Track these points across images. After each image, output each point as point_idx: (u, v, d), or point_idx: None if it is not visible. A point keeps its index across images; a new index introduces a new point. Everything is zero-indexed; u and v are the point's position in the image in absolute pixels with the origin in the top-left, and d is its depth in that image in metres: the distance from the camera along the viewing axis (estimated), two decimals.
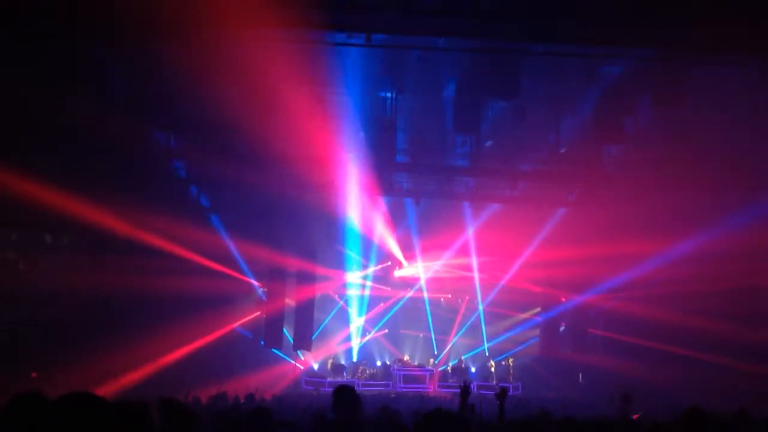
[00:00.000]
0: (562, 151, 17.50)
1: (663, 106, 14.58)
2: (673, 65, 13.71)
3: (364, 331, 24.46)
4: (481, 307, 24.01)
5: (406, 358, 22.88)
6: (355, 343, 24.03)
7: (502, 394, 6.11)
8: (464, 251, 21.90)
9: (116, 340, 15.65)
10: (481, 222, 20.19)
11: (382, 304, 24.70)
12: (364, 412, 5.72)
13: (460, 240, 21.44)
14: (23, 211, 13.89)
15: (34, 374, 14.81)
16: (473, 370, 23.41)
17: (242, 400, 12.49)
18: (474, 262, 22.63)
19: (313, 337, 22.13)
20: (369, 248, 22.32)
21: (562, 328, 22.59)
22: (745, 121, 14.80)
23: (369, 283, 24.06)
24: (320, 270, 21.49)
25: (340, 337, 23.78)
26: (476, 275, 23.14)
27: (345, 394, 5.58)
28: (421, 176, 19.43)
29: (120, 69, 14.43)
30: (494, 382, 21.28)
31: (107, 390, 14.81)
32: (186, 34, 11.76)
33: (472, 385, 19.72)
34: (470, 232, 20.85)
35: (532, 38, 12.75)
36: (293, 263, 20.74)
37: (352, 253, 22.35)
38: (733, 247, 15.99)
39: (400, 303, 24.52)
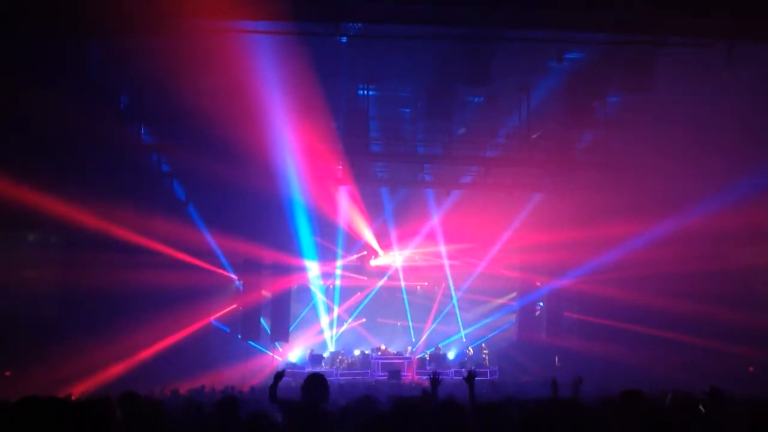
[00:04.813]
0: (534, 137, 17.61)
1: (632, 91, 14.76)
2: (639, 50, 13.87)
3: (341, 321, 24.52)
4: (454, 295, 24.14)
5: (383, 347, 22.96)
6: (333, 333, 24.10)
7: (470, 377, 6.23)
8: (440, 239, 22.00)
9: (93, 336, 15.59)
10: (457, 209, 20.27)
11: (358, 293, 24.77)
12: (329, 399, 5.85)
13: (435, 228, 21.52)
14: None
15: (7, 372, 14.72)
16: (451, 357, 23.55)
17: (219, 393, 12.49)
18: (450, 249, 22.76)
19: (291, 328, 22.16)
20: (345, 238, 22.34)
21: (537, 313, 22.82)
22: (716, 105, 14.97)
23: (345, 273, 24.10)
24: (296, 261, 21.48)
25: (317, 327, 23.82)
26: (447, 262, 23.26)
27: (313, 382, 5.74)
28: (395, 165, 19.49)
29: (94, 62, 14.33)
30: (472, 368, 21.40)
31: (84, 386, 14.79)
32: (158, 25, 11.72)
33: (450, 372, 20.04)
34: (444, 220, 20.95)
35: (501, 24, 12.85)
36: (269, 255, 20.72)
37: (328, 244, 22.34)
38: (704, 231, 16.24)
39: (374, 291, 24.56)
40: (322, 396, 5.76)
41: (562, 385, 6.77)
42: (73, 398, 10.04)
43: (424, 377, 20.49)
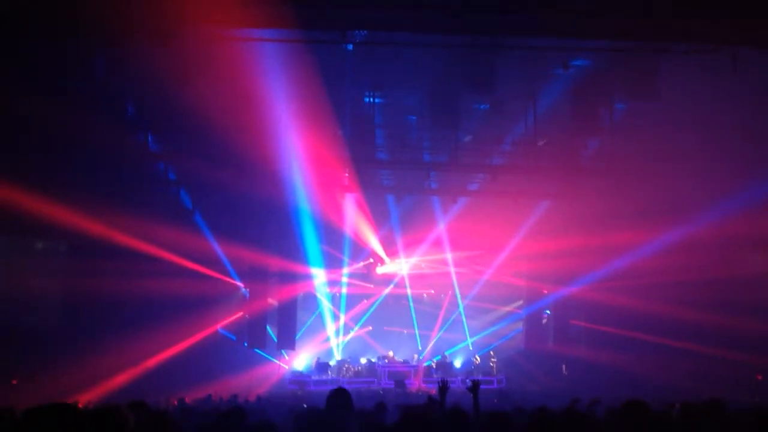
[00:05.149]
0: (540, 144, 17.58)
1: (636, 98, 14.72)
2: (644, 57, 13.84)
3: (348, 329, 24.47)
4: (461, 303, 24.06)
5: (390, 353, 22.91)
6: (339, 341, 24.05)
7: (475, 387, 6.18)
8: (446, 246, 21.97)
9: (99, 344, 15.61)
10: (463, 217, 20.23)
11: (365, 301, 24.72)
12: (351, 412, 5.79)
13: (442, 235, 21.49)
14: (1, 217, 13.82)
15: (14, 381, 14.72)
16: (458, 365, 23.48)
17: (226, 402, 12.47)
18: (456, 256, 22.73)
19: (297, 337, 22.13)
20: (351, 246, 22.31)
21: (544, 321, 22.74)
22: (722, 110, 14.91)
23: (352, 281, 24.06)
24: (302, 269, 21.47)
25: (323, 335, 23.78)
26: (453, 270, 23.23)
27: (339, 396, 5.69)
28: (401, 172, 19.47)
29: (100, 70, 14.35)
30: (478, 376, 21.33)
31: (91, 395, 14.77)
32: (164, 33, 11.73)
33: (456, 380, 19.97)
34: (451, 228, 20.91)
35: (504, 32, 12.85)
36: (275, 262, 20.71)
37: (334, 251, 22.33)
38: (711, 238, 16.19)
39: (380, 298, 24.50)
40: (346, 410, 5.70)
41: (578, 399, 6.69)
42: (79, 407, 10.01)
43: (431, 385, 20.45)
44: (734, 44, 12.59)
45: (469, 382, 6.38)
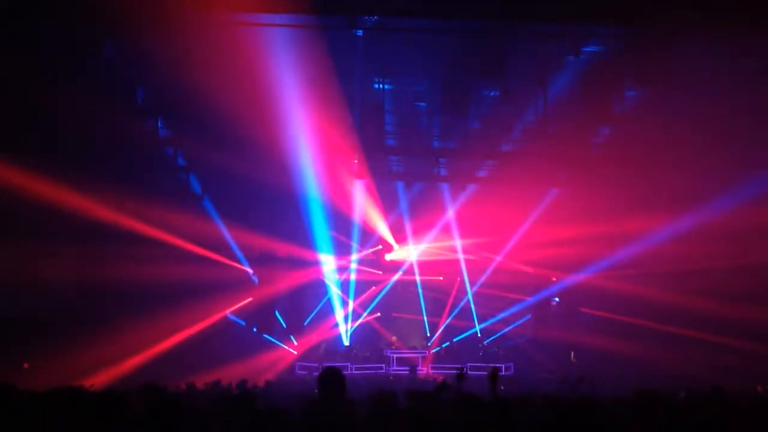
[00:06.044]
0: (551, 131, 17.49)
1: (645, 84, 14.61)
2: (654, 42, 13.73)
3: (356, 315, 24.49)
4: (469, 290, 24.01)
5: (394, 338, 22.93)
6: (348, 327, 24.08)
7: (494, 375, 6.10)
8: (455, 233, 21.94)
9: (109, 329, 15.68)
10: (472, 204, 20.20)
11: (373, 287, 24.70)
12: (348, 393, 5.76)
13: (450, 222, 21.46)
14: (13, 201, 13.87)
15: (26, 365, 14.82)
16: (466, 352, 23.46)
17: (234, 387, 12.51)
18: (465, 243, 22.68)
19: (306, 322, 22.18)
20: (360, 232, 22.31)
21: (553, 308, 22.71)
22: (735, 98, 14.80)
23: (360, 267, 24.05)
24: (311, 255, 21.49)
25: (332, 321, 23.80)
26: (462, 257, 23.18)
27: (329, 376, 5.67)
28: (410, 159, 19.44)
29: (111, 56, 14.37)
30: (486, 363, 21.36)
31: (100, 379, 14.85)
32: (172, 17, 11.74)
33: (465, 367, 20.00)
34: (460, 215, 20.88)
35: (515, 17, 12.79)
36: (284, 248, 20.76)
37: (343, 238, 22.33)
38: (721, 227, 16.10)
39: (389, 285, 24.48)
40: (338, 390, 5.68)
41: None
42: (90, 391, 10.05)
43: (440, 372, 20.52)
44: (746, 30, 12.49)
45: (490, 369, 6.32)
